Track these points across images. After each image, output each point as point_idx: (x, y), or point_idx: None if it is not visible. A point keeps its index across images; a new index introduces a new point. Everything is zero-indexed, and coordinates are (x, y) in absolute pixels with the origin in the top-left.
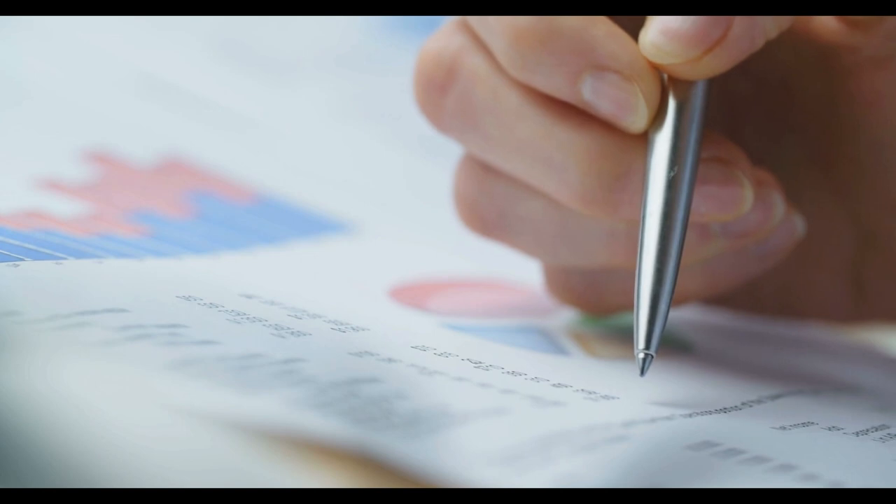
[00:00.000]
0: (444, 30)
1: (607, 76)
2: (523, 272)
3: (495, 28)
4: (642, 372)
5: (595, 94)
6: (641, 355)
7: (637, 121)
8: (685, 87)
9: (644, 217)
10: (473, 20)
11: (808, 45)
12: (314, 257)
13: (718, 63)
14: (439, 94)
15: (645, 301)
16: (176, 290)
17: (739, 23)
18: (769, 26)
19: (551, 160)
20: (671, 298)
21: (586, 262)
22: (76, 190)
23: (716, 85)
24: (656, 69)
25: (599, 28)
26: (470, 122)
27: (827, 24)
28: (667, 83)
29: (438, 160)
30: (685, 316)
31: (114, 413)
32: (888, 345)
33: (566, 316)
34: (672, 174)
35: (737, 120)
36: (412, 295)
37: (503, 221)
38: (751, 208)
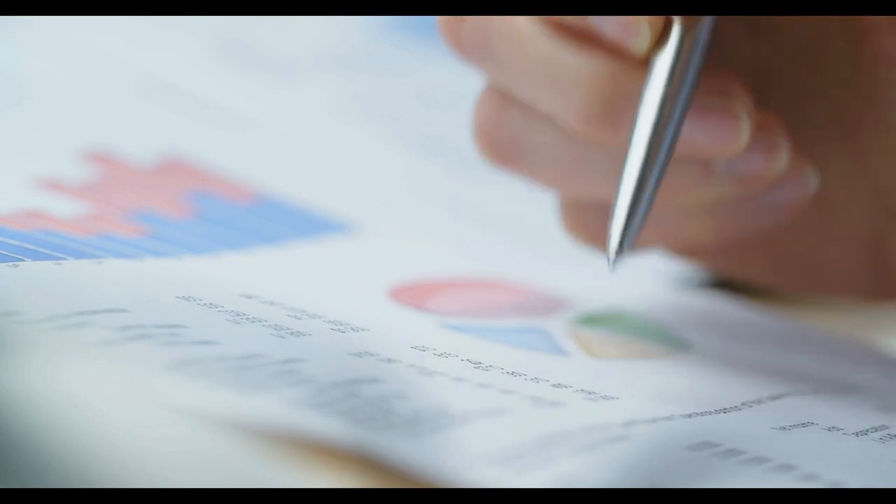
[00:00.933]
0: None
1: None
2: (523, 272)
3: None
4: (611, 269)
5: (600, 16)
6: (613, 256)
7: (640, 42)
8: (691, 17)
9: (634, 128)
10: None
11: None
12: (314, 257)
13: None
14: (458, 20)
15: (623, 202)
16: (176, 290)
17: None
18: None
19: (559, 83)
20: (650, 204)
21: (599, 194)
22: (76, 190)
23: (740, 52)
24: None
25: None
26: (486, 47)
27: None
28: None
29: (438, 160)
30: (685, 316)
31: (114, 413)
32: (888, 345)
33: (566, 316)
34: (667, 90)
35: (762, 89)
36: (412, 295)
37: (519, 150)
38: (750, 146)
